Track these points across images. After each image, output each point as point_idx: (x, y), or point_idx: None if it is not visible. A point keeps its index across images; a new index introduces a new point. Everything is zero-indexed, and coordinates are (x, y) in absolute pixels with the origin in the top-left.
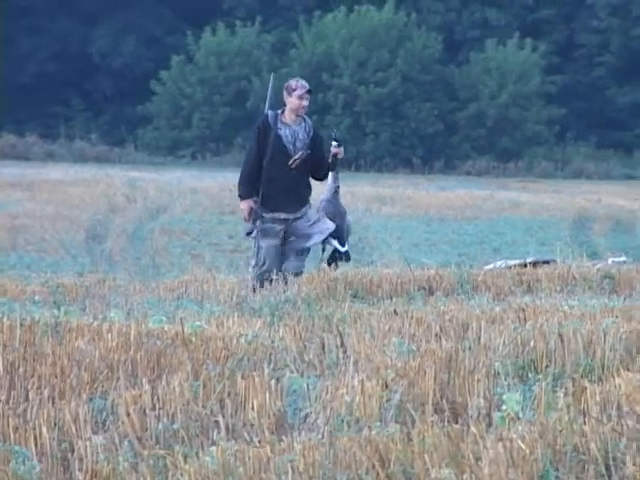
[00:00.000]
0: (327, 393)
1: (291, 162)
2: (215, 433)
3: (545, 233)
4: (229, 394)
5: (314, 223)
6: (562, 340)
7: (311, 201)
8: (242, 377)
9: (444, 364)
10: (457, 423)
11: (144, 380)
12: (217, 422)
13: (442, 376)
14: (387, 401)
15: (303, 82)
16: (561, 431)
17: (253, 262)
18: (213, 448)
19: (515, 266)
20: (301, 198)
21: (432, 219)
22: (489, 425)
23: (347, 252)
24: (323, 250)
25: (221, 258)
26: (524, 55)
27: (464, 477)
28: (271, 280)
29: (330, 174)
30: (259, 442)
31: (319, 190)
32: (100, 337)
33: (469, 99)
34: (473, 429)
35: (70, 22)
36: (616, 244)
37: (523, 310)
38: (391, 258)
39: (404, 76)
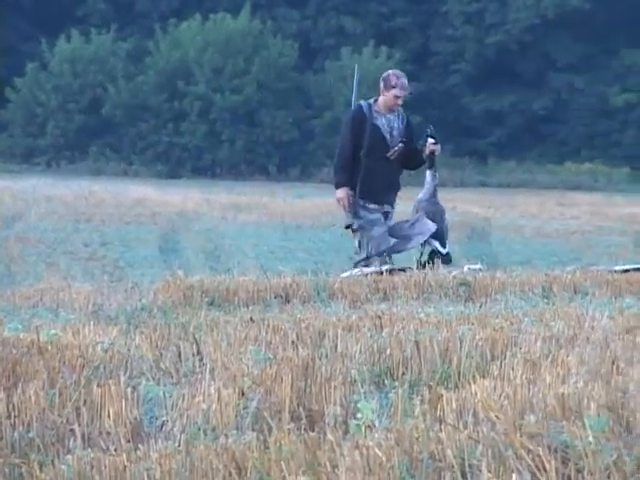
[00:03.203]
0: (183, 401)
1: (390, 154)
2: (71, 441)
3: None
4: (85, 402)
5: (413, 224)
6: (418, 347)
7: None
8: (98, 385)
9: (301, 372)
10: (314, 431)
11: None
12: (73, 430)
13: (299, 384)
14: (244, 409)
15: (404, 79)
16: (417, 438)
17: (363, 254)
18: (69, 456)
19: (371, 274)
20: (397, 189)
21: (288, 227)
22: (346, 433)
23: (448, 253)
24: (421, 252)
25: (76, 266)
26: (379, 63)
27: None
28: (402, 269)
29: (428, 172)
30: (115, 450)
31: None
32: None
33: (324, 107)
34: (330, 437)
35: None
36: (471, 251)
37: (379, 318)
38: (247, 266)
39: (259, 83)
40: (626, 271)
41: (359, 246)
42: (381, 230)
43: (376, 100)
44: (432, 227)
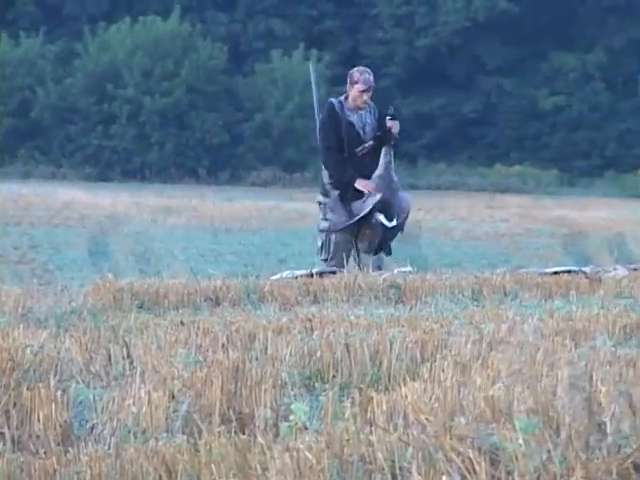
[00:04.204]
0: (113, 404)
1: (359, 150)
2: (0, 445)
3: None
4: (15, 405)
5: (365, 200)
6: (348, 350)
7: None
8: (28, 389)
9: (231, 374)
10: (244, 433)
11: None
12: (2, 434)
13: (229, 386)
14: (174, 412)
15: (367, 75)
16: (348, 441)
17: (323, 256)
18: None
19: (301, 276)
20: None
21: (218, 230)
22: (276, 435)
23: (394, 227)
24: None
25: (5, 269)
26: (309, 66)
27: None
28: (332, 272)
29: (383, 149)
30: (45, 454)
31: None
32: None
33: (254, 110)
34: (260, 439)
35: None
36: (401, 254)
37: (310, 320)
38: (177, 269)
39: (189, 86)
40: (555, 273)
41: (321, 248)
42: (344, 237)
43: (346, 97)
44: (377, 196)
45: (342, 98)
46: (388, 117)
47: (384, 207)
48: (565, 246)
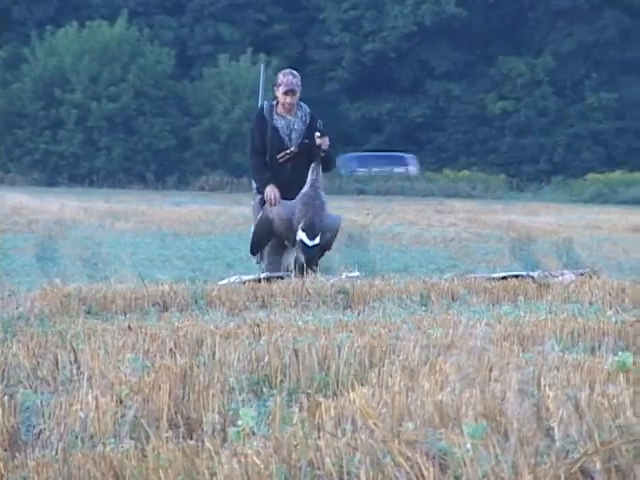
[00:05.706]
0: (61, 409)
1: (280, 156)
2: None
3: None
4: None
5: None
6: (297, 355)
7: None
8: None
9: (179, 380)
10: (192, 439)
11: None
12: None
13: (177, 392)
14: (121, 417)
15: (290, 77)
16: (296, 446)
17: (264, 262)
18: None
19: (249, 281)
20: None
21: (166, 234)
22: (224, 440)
23: (315, 246)
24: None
25: None
26: (257, 70)
27: None
28: (280, 277)
29: (311, 165)
30: None
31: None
32: None
33: (202, 114)
34: (208, 444)
35: None
36: (349, 259)
37: (258, 325)
38: (125, 274)
39: (137, 91)
40: (504, 278)
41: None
42: (272, 241)
43: (278, 102)
44: (302, 221)
45: (274, 102)
46: (317, 133)
47: (306, 225)
48: (513, 251)
